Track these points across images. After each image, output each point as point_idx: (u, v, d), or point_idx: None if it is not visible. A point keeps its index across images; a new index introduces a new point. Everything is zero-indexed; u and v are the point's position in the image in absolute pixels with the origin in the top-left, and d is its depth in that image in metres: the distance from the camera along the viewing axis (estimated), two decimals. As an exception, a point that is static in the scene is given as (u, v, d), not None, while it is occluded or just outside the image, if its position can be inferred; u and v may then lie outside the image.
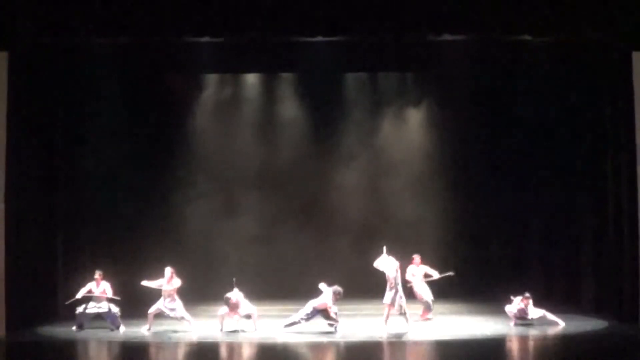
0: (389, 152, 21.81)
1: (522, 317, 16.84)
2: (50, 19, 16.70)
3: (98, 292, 16.62)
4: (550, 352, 15.27)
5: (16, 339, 15.99)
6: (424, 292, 17.26)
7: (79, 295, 16.61)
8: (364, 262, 20.43)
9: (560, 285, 19.79)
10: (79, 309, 16.61)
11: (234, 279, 16.20)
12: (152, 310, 16.50)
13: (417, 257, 17.43)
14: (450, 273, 17.33)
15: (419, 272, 17.44)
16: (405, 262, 17.21)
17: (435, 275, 17.32)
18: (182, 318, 16.54)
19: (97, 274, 16.72)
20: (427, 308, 17.26)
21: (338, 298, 16.16)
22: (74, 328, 16.64)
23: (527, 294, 16.80)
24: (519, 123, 20.56)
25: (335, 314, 16.19)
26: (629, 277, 17.31)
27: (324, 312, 16.16)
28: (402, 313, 16.25)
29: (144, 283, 16.58)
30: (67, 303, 16.96)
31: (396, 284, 16.20)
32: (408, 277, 17.23)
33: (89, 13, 16.68)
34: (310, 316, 16.17)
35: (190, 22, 17.01)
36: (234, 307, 16.14)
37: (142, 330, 16.52)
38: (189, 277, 16.94)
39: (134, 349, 15.36)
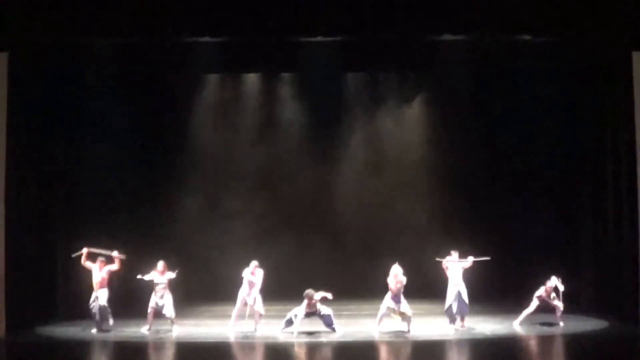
0: (389, 152, 21.79)
1: (546, 300, 16.88)
2: (50, 19, 16.70)
3: (100, 276, 16.47)
4: (550, 352, 15.27)
5: (16, 339, 15.99)
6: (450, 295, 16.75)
7: (85, 250, 16.47)
8: (364, 263, 20.51)
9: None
10: (91, 303, 16.48)
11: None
12: (150, 309, 16.47)
13: (454, 254, 16.74)
14: (487, 258, 17.00)
15: (457, 268, 16.65)
16: (404, 263, 17.14)
17: (470, 259, 16.70)
18: (170, 316, 16.47)
19: (99, 260, 16.56)
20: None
21: (311, 302, 16.06)
22: (93, 330, 16.48)
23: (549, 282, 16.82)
24: (519, 123, 20.54)
25: (328, 316, 16.21)
26: (629, 277, 17.32)
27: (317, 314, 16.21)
28: (405, 318, 16.23)
29: (140, 277, 16.53)
30: (73, 255, 16.71)
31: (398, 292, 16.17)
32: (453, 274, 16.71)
33: (89, 13, 16.68)
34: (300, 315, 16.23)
35: (190, 22, 17.02)
36: (251, 283, 16.26)
37: (143, 330, 16.51)
38: (189, 277, 16.93)
39: (134, 349, 15.35)
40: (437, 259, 16.73)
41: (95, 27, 16.94)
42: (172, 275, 16.49)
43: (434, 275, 17.49)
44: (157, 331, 16.45)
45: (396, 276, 16.19)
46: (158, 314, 16.50)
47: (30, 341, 16.03)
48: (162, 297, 16.41)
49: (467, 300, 16.50)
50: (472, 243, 18.09)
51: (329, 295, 16.18)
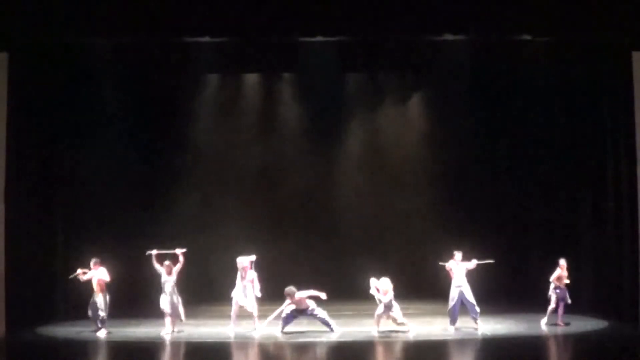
0: (389, 152, 21.79)
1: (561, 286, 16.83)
2: (50, 19, 16.70)
3: (95, 277, 16.40)
4: (550, 352, 15.27)
5: (16, 339, 15.99)
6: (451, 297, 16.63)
7: (79, 271, 16.34)
8: (365, 262, 20.47)
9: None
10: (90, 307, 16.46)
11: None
12: (169, 311, 16.24)
13: (458, 254, 16.63)
14: (491, 261, 17.01)
15: (460, 269, 16.57)
16: (405, 262, 17.17)
17: (474, 262, 16.65)
18: (182, 319, 16.42)
19: (93, 262, 16.43)
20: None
21: (293, 299, 16.05)
22: (100, 333, 16.39)
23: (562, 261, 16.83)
24: (519, 123, 20.53)
25: (322, 317, 16.26)
26: (629, 277, 17.33)
27: (301, 312, 16.27)
28: (400, 323, 16.25)
29: (149, 252, 16.38)
30: (71, 277, 16.61)
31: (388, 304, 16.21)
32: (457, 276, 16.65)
33: (89, 13, 16.69)
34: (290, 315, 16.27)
35: (190, 22, 17.01)
36: (244, 272, 16.29)
37: (163, 334, 16.23)
38: (189, 277, 16.94)
39: (134, 349, 15.35)
40: (440, 263, 16.71)
41: (95, 27, 16.94)
42: (179, 267, 16.28)
43: (434, 275, 17.48)
44: (174, 332, 16.43)
45: (386, 292, 16.12)
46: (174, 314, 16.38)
47: (30, 341, 16.03)
48: (172, 296, 16.28)
49: (473, 300, 16.49)
50: (470, 243, 18.08)
51: (323, 295, 16.17)
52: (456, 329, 16.47)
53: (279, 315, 16.23)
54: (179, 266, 16.30)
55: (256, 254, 16.90)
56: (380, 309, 16.24)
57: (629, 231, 17.34)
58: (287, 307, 16.17)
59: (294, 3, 16.82)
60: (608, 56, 17.85)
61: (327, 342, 15.63)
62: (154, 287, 16.67)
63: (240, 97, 21.63)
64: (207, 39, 17.69)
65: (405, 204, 21.48)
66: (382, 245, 21.15)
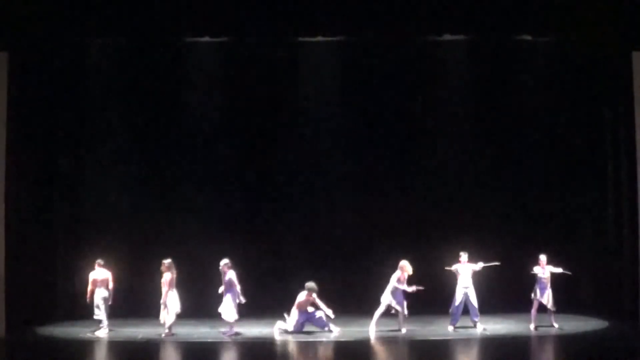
0: (389, 153, 21.74)
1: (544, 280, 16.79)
2: (50, 19, 16.72)
3: (100, 278, 16.39)
4: (550, 352, 15.27)
5: (16, 339, 16.00)
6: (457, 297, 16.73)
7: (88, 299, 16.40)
8: (365, 262, 20.50)
9: (560, 285, 19.77)
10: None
11: None
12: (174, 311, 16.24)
13: (464, 255, 16.80)
14: (497, 263, 17.06)
15: (467, 270, 16.72)
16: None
17: (480, 265, 16.78)
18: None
19: (97, 263, 16.46)
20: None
21: (310, 297, 16.22)
22: (100, 333, 16.37)
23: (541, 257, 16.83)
24: (519, 123, 20.52)
25: (320, 318, 16.35)
26: (629, 277, 17.33)
27: (307, 315, 16.31)
28: (397, 313, 16.29)
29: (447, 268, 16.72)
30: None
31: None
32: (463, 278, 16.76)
33: (89, 13, 16.70)
34: (298, 324, 16.34)
35: (190, 22, 17.02)
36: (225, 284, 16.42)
37: (163, 335, 16.18)
38: (189, 276, 16.93)
39: (134, 349, 15.36)
40: (446, 268, 16.76)
41: (95, 27, 16.95)
42: (169, 275, 16.20)
43: (434, 276, 17.46)
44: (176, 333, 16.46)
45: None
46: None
47: (30, 341, 16.04)
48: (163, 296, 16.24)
49: (475, 304, 16.53)
50: (472, 244, 18.08)
51: (330, 314, 16.31)
52: (455, 329, 16.48)
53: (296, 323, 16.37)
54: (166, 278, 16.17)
55: (255, 255, 16.93)
56: (383, 306, 16.28)
57: (629, 230, 17.34)
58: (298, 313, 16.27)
59: (294, 3, 16.83)
60: (608, 56, 17.85)
61: (327, 342, 15.64)
62: (154, 287, 16.66)
63: (239, 97, 21.58)
64: (207, 39, 17.68)
65: (406, 204, 21.43)
66: (383, 245, 21.10)
